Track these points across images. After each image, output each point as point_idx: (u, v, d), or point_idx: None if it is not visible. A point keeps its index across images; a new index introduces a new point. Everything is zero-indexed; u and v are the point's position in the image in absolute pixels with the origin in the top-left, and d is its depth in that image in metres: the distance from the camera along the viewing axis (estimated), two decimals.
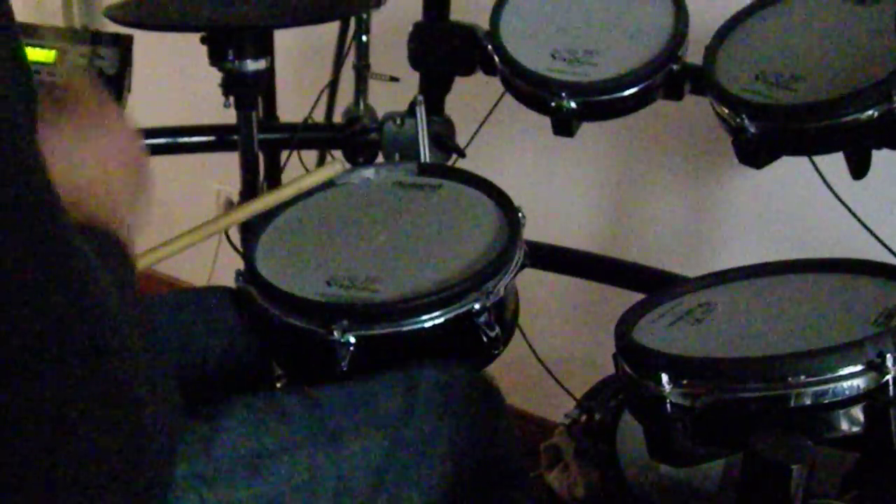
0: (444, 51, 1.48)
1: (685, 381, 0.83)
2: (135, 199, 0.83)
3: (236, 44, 1.32)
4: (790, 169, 1.26)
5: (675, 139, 1.67)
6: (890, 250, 1.31)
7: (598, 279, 1.53)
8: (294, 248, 1.15)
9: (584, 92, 1.24)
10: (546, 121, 1.28)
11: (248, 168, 1.45)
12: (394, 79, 1.58)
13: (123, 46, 1.27)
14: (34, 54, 1.23)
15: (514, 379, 1.78)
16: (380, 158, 1.54)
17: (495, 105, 1.55)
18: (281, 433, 0.88)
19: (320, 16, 1.38)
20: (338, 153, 1.63)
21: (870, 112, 1.02)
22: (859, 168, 1.10)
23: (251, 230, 1.17)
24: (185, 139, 1.54)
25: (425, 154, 1.46)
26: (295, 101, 1.71)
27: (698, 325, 0.96)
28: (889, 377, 0.79)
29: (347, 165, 1.52)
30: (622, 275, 1.47)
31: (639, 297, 1.06)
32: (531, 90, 1.27)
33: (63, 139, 0.78)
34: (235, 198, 1.53)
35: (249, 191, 1.48)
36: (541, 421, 1.89)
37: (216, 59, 1.33)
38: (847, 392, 0.80)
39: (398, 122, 1.50)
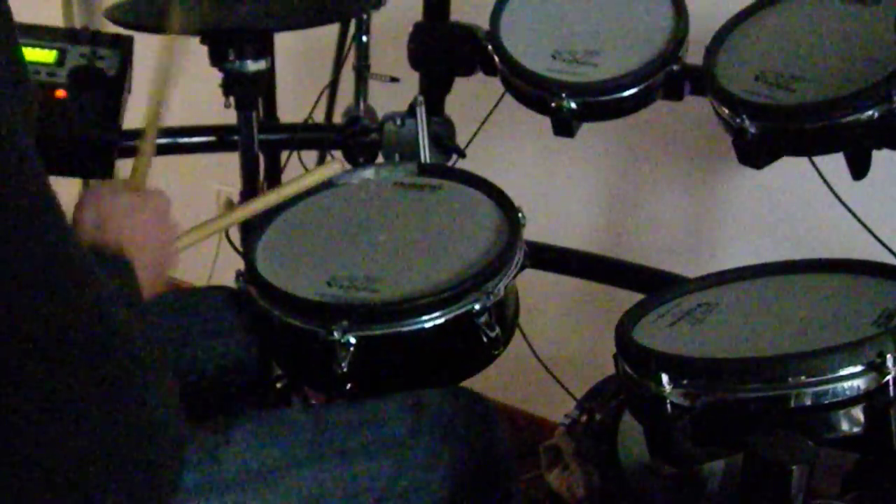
0: (444, 51, 1.48)
1: (685, 382, 0.83)
2: (156, 274, 0.88)
3: (237, 44, 1.32)
4: (790, 169, 1.26)
5: (676, 140, 1.67)
6: (890, 251, 1.31)
7: (598, 279, 1.53)
8: (294, 248, 1.15)
9: (585, 92, 1.24)
10: (546, 121, 1.28)
11: (249, 168, 1.45)
12: (394, 79, 1.58)
13: (123, 47, 1.27)
14: (34, 54, 1.23)
15: (515, 379, 1.78)
16: (380, 159, 1.54)
17: (495, 105, 1.55)
18: (289, 448, 0.89)
19: (320, 17, 1.38)
20: (338, 153, 1.63)
21: (870, 112, 1.02)
22: (859, 168, 1.10)
23: (251, 230, 1.17)
24: (186, 139, 1.54)
25: (425, 154, 1.46)
26: (295, 102, 1.71)
27: (698, 325, 0.96)
28: (889, 377, 0.79)
29: (347, 165, 1.52)
30: (622, 275, 1.46)
31: (639, 297, 1.06)
32: (531, 90, 1.27)
33: (113, 205, 0.85)
34: (236, 198, 1.53)
35: (250, 191, 1.47)
36: (541, 421, 1.89)
37: (216, 59, 1.33)
38: (847, 392, 0.80)
39: (398, 122, 1.50)
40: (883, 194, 1.39)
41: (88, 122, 1.22)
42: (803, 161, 1.28)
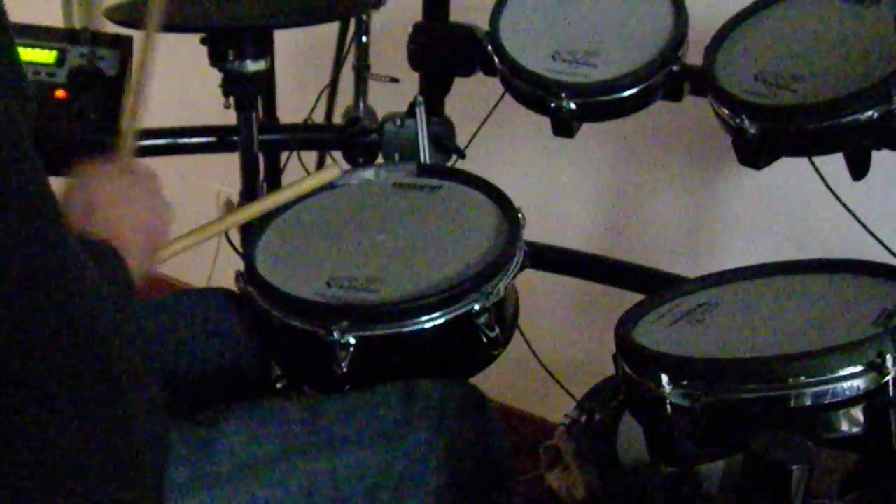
0: (443, 51, 1.48)
1: (685, 382, 0.83)
2: (146, 256, 0.86)
3: (236, 44, 1.32)
4: (790, 169, 1.26)
5: (675, 140, 1.67)
6: (890, 251, 1.31)
7: (598, 280, 1.53)
8: (294, 248, 1.15)
9: (584, 93, 1.24)
10: (546, 121, 1.28)
11: (249, 169, 1.45)
12: (394, 79, 1.58)
13: (123, 47, 1.27)
14: (34, 54, 1.23)
15: (514, 379, 1.78)
16: (380, 159, 1.54)
17: (495, 106, 1.55)
18: (280, 440, 0.89)
19: (320, 16, 1.38)
20: (338, 154, 1.63)
21: (870, 112, 1.02)
22: (859, 168, 1.10)
23: (251, 231, 1.17)
24: (186, 140, 1.54)
25: (425, 155, 1.46)
26: (295, 102, 1.71)
27: (698, 325, 0.96)
28: (889, 378, 0.79)
29: (346, 167, 1.52)
30: (622, 275, 1.46)
31: (639, 297, 1.06)
32: (531, 91, 1.27)
33: (103, 187, 0.85)
34: (235, 199, 1.53)
35: (249, 192, 1.48)
36: (541, 421, 1.89)
37: (216, 59, 1.33)
38: (847, 393, 0.80)
39: (398, 122, 1.50)
40: (882, 194, 1.39)
41: (88, 123, 1.22)
42: (803, 161, 1.28)
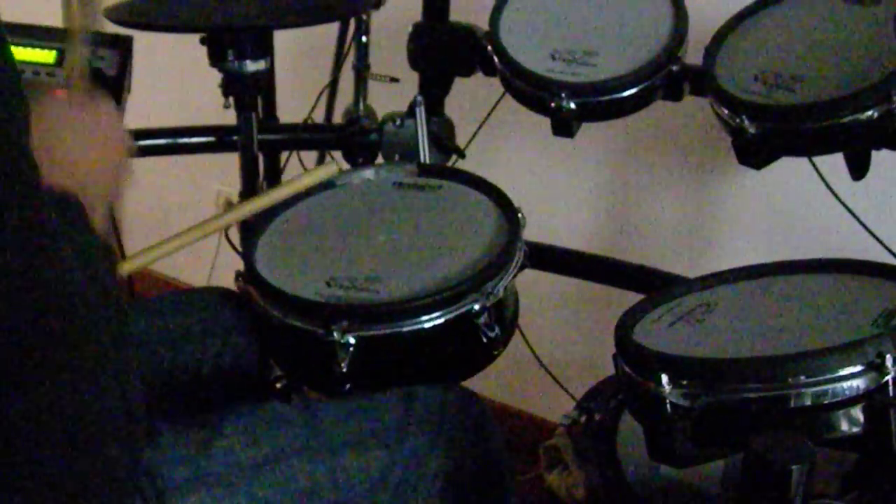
0: (443, 51, 1.48)
1: (685, 382, 0.83)
2: (110, 194, 0.84)
3: (236, 44, 1.32)
4: (790, 169, 1.26)
5: (675, 140, 1.67)
6: (889, 251, 1.31)
7: (598, 280, 1.53)
8: (294, 248, 1.15)
9: (584, 92, 1.24)
10: (546, 121, 1.28)
11: (248, 169, 1.45)
12: (393, 79, 1.58)
13: (123, 47, 1.27)
14: (34, 54, 1.23)
15: (514, 379, 1.78)
16: (380, 159, 1.54)
17: (495, 106, 1.55)
18: (280, 442, 0.89)
19: (320, 16, 1.38)
20: (337, 154, 1.63)
21: (869, 113, 1.02)
22: (859, 169, 1.10)
23: (251, 231, 1.17)
24: (185, 140, 1.54)
25: (425, 155, 1.46)
26: (295, 102, 1.71)
27: (698, 325, 0.96)
28: (889, 378, 0.79)
29: (345, 166, 1.52)
30: (622, 275, 1.46)
31: (639, 297, 1.06)
32: (531, 91, 1.27)
33: (60, 123, 0.80)
34: (235, 199, 1.53)
35: (249, 192, 1.47)
36: (540, 421, 1.89)
37: (216, 59, 1.33)
38: (847, 392, 0.80)
39: (398, 122, 1.50)
40: (882, 194, 1.39)
41: None
42: (803, 161, 1.28)
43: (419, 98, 1.47)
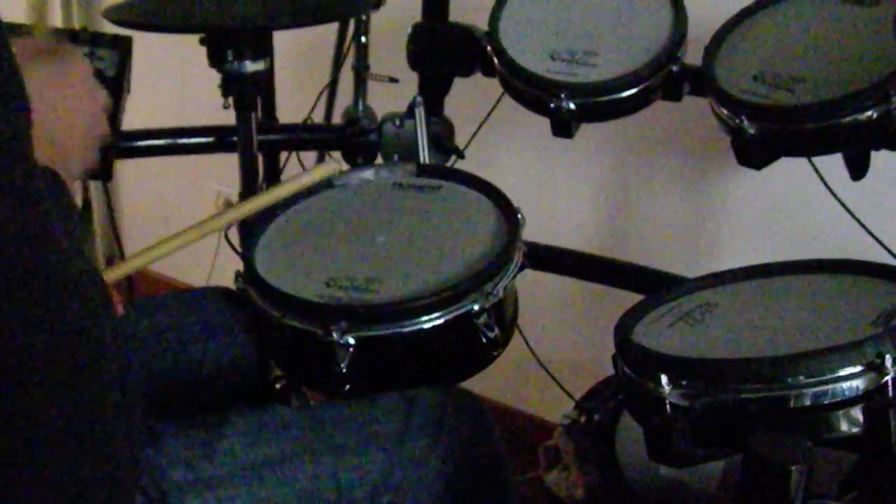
0: (443, 52, 1.48)
1: (685, 382, 0.83)
2: (85, 156, 0.81)
3: (235, 45, 1.32)
4: (789, 170, 1.26)
5: (675, 140, 1.67)
6: (889, 251, 1.31)
7: (598, 280, 1.53)
8: (293, 248, 1.15)
9: (584, 93, 1.24)
10: (545, 122, 1.28)
11: (248, 169, 1.45)
12: (393, 80, 1.58)
13: (123, 47, 1.27)
14: None
15: (514, 380, 1.78)
16: (379, 159, 1.54)
17: (494, 106, 1.55)
18: (281, 443, 0.89)
19: (320, 17, 1.38)
20: (337, 154, 1.63)
21: (869, 113, 1.02)
22: (858, 169, 1.10)
23: (250, 231, 1.17)
24: (185, 140, 1.54)
25: (424, 155, 1.46)
26: (294, 102, 1.71)
27: (698, 325, 0.96)
28: (888, 378, 0.79)
29: (345, 165, 1.52)
30: (622, 276, 1.46)
31: (638, 297, 1.06)
32: (530, 91, 1.27)
33: (39, 83, 0.74)
34: (235, 199, 1.53)
35: (249, 192, 1.47)
36: (540, 422, 1.89)
37: (215, 60, 1.33)
38: (846, 393, 0.80)
39: (397, 122, 1.50)
40: (881, 195, 1.39)
41: None
42: (802, 161, 1.28)
43: (418, 98, 1.47)
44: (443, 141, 1.53)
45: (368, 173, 1.27)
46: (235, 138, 1.43)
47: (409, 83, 1.55)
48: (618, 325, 0.96)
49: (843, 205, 1.34)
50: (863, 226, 1.34)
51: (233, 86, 1.35)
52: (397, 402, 0.95)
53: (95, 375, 0.58)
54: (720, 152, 1.50)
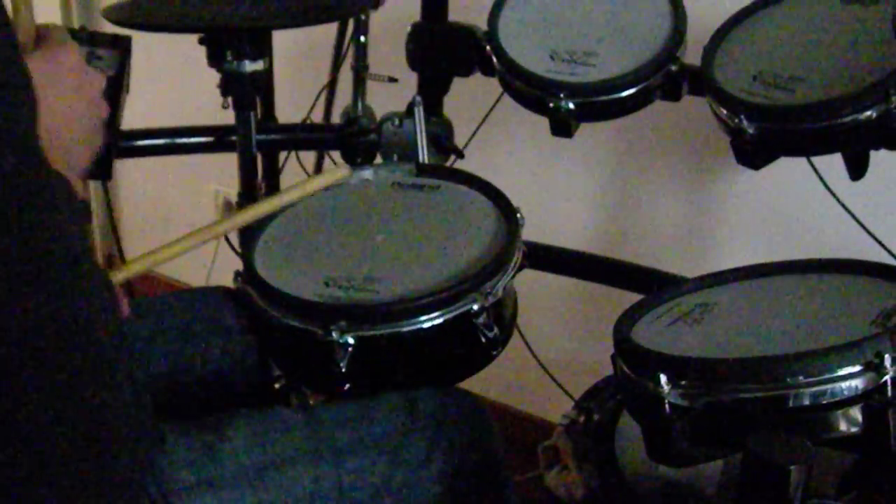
0: (442, 51, 1.48)
1: (684, 382, 0.83)
2: (90, 152, 0.80)
3: (235, 45, 1.32)
4: (788, 170, 1.27)
5: (674, 140, 1.67)
6: (888, 251, 1.31)
7: (597, 280, 1.53)
8: (292, 248, 1.15)
9: (583, 93, 1.24)
10: (544, 122, 1.28)
11: (247, 169, 1.45)
12: (392, 79, 1.58)
13: (122, 47, 1.27)
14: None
15: (513, 380, 1.78)
16: (378, 159, 1.54)
17: (494, 106, 1.55)
18: (284, 446, 0.89)
19: (319, 17, 1.38)
20: (336, 154, 1.63)
21: (868, 113, 1.02)
22: (857, 169, 1.10)
23: (249, 231, 1.17)
24: (184, 140, 1.54)
25: (424, 155, 1.46)
26: (293, 102, 1.71)
27: (697, 325, 0.96)
28: (887, 377, 0.79)
29: (344, 166, 1.52)
30: (621, 275, 1.47)
31: (637, 297, 1.06)
32: (529, 91, 1.27)
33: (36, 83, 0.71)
34: (234, 199, 1.53)
35: (248, 192, 1.48)
36: (539, 421, 1.89)
37: (214, 60, 1.33)
38: (845, 392, 0.80)
39: (396, 122, 1.50)
40: (881, 194, 1.39)
41: None
42: (801, 161, 1.28)
43: (418, 98, 1.47)
44: (442, 141, 1.53)
45: (367, 173, 1.27)
46: (234, 138, 1.43)
47: (409, 83, 1.55)
48: (617, 324, 0.96)
49: (842, 205, 1.35)
50: (862, 226, 1.34)
51: (232, 85, 1.35)
52: (398, 403, 0.95)
53: (103, 377, 0.58)
54: (719, 152, 1.50)
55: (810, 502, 0.78)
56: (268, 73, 1.48)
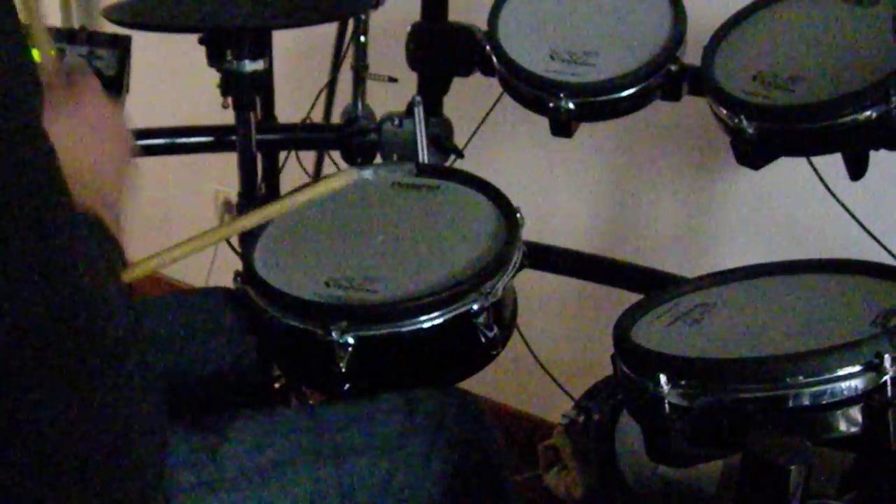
0: (442, 51, 1.48)
1: (683, 382, 0.83)
2: (121, 189, 0.81)
3: (234, 44, 1.32)
4: (788, 170, 1.27)
5: (674, 140, 1.67)
6: (888, 250, 1.31)
7: (597, 280, 1.53)
8: (292, 248, 1.15)
9: (583, 92, 1.24)
10: (544, 121, 1.28)
11: (247, 169, 1.45)
12: (392, 79, 1.58)
13: (122, 47, 1.27)
14: (32, 54, 1.23)
15: (513, 379, 1.78)
16: (378, 159, 1.54)
17: (493, 106, 1.55)
18: (285, 447, 0.89)
19: (319, 17, 1.38)
20: (336, 154, 1.63)
21: (868, 113, 1.02)
22: (857, 169, 1.10)
23: (249, 231, 1.17)
24: (184, 140, 1.54)
25: (423, 155, 1.46)
26: (293, 102, 1.71)
27: (697, 325, 0.96)
28: (887, 377, 0.79)
29: (344, 166, 1.52)
30: (621, 275, 1.47)
31: (637, 297, 1.06)
32: (529, 91, 1.27)
33: (61, 124, 0.74)
34: (234, 199, 1.53)
35: (248, 192, 1.48)
36: (539, 421, 1.89)
37: (214, 59, 1.33)
38: (845, 392, 0.80)
39: (396, 122, 1.50)
40: (880, 194, 1.39)
41: None
42: (801, 161, 1.28)
43: (418, 98, 1.47)
44: (442, 140, 1.53)
45: (367, 173, 1.27)
46: (234, 138, 1.43)
47: (409, 83, 1.55)
48: (617, 324, 0.96)
49: (842, 205, 1.34)
50: (862, 226, 1.34)
51: (232, 85, 1.35)
52: (398, 403, 0.95)
53: (116, 378, 0.58)
54: (719, 152, 1.51)
55: (810, 502, 0.78)
56: (268, 73, 1.48)
